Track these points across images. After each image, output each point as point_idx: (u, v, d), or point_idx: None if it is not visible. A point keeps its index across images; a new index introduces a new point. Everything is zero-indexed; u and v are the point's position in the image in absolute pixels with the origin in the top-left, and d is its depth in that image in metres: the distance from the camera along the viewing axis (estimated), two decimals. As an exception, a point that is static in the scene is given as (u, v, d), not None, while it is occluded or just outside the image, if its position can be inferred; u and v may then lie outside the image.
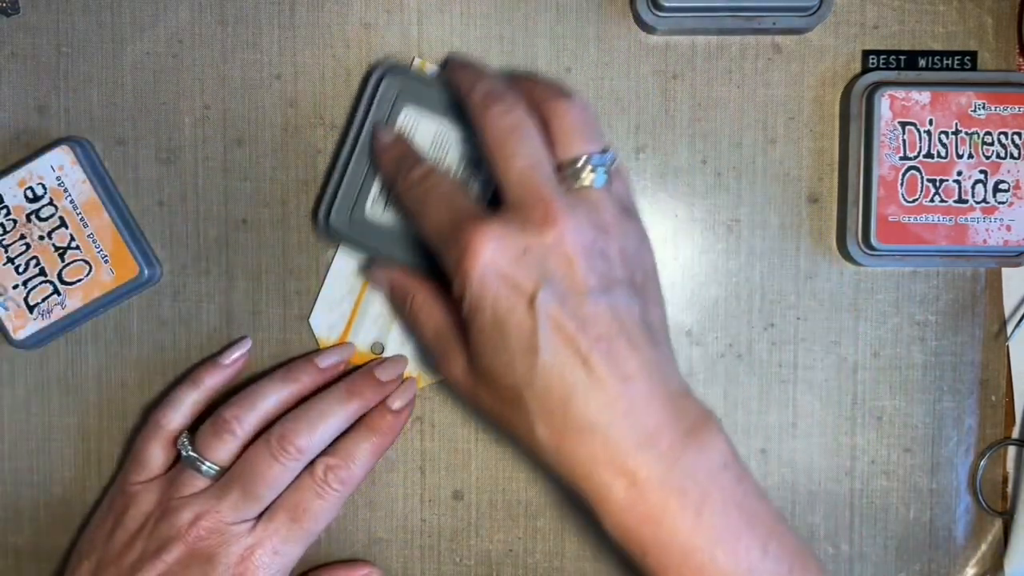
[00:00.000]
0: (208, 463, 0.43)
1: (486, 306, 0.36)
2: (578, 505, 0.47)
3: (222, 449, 0.43)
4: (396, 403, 0.45)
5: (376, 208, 0.43)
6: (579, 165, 0.38)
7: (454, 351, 0.39)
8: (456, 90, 0.42)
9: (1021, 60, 0.46)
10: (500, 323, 0.36)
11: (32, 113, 0.46)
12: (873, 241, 0.44)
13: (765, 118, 0.46)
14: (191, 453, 0.43)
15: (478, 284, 0.36)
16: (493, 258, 0.36)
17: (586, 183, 0.38)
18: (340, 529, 0.47)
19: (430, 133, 0.43)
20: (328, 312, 0.47)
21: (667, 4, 0.44)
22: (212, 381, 0.45)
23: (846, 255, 0.46)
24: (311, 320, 0.46)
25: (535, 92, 0.39)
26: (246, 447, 0.43)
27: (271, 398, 0.44)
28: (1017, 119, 0.44)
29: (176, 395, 0.45)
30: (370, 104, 0.43)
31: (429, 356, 0.42)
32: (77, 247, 0.45)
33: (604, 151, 0.39)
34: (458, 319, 0.39)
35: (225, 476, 0.43)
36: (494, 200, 0.40)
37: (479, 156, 0.42)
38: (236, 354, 0.46)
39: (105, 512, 0.44)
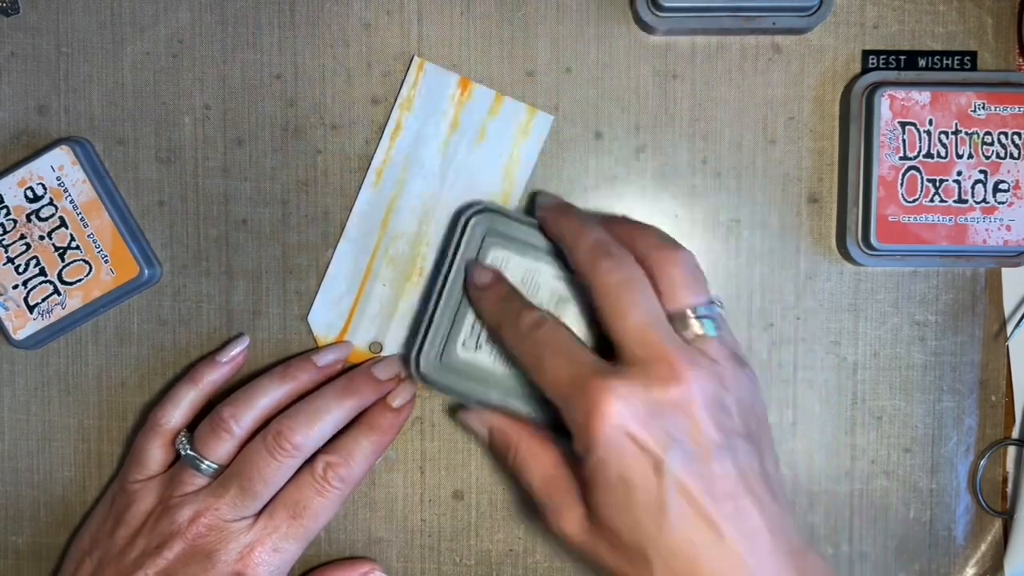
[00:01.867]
0: (207, 461, 0.43)
1: (611, 466, 0.36)
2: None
3: (220, 447, 0.43)
4: (397, 401, 0.45)
5: (467, 351, 0.43)
6: (689, 317, 0.38)
7: (568, 503, 0.39)
8: (558, 239, 0.41)
9: (1021, 60, 0.46)
10: (626, 483, 0.36)
11: (32, 113, 0.46)
12: (873, 241, 0.44)
13: (765, 118, 0.46)
14: (190, 452, 0.43)
15: (605, 445, 0.36)
16: (620, 419, 0.36)
17: (699, 333, 0.38)
18: (340, 529, 0.47)
19: (520, 272, 0.43)
20: (327, 311, 0.47)
21: (667, 4, 0.44)
22: (211, 378, 0.45)
23: (846, 255, 0.46)
24: (310, 318, 0.46)
25: (638, 243, 0.39)
26: (244, 445, 0.43)
27: (269, 396, 0.44)
28: (1017, 119, 0.44)
29: (174, 393, 0.45)
30: (458, 246, 0.43)
31: (534, 506, 0.41)
32: (77, 247, 0.45)
33: (711, 302, 0.39)
34: (570, 468, 0.39)
35: (223, 474, 0.43)
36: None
37: (572, 294, 0.42)
38: (234, 351, 0.46)
39: (106, 510, 0.44)
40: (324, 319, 0.47)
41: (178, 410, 0.44)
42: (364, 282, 0.46)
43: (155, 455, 0.44)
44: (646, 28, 0.45)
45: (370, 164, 0.46)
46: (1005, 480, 0.47)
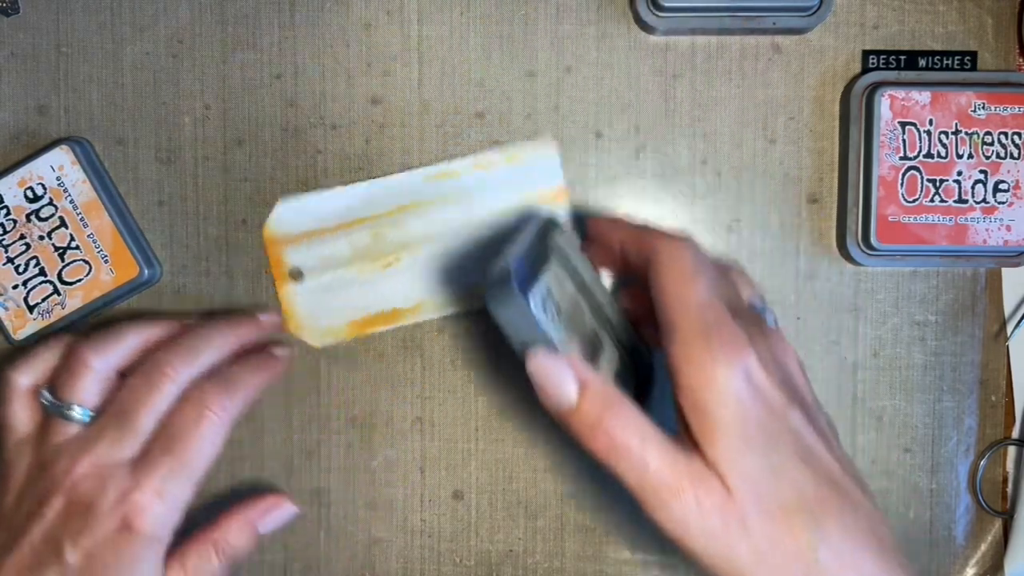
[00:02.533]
0: (75, 406, 0.40)
1: (750, 419, 0.36)
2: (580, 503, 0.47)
3: (83, 388, 0.40)
4: (278, 349, 0.45)
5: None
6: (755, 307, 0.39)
7: (700, 480, 0.36)
8: (608, 237, 0.41)
9: (1021, 60, 0.46)
10: (768, 434, 0.36)
11: (32, 113, 0.46)
12: (873, 241, 0.44)
13: (765, 118, 0.46)
14: (53, 400, 0.40)
15: (736, 396, 0.35)
16: (748, 371, 0.36)
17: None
18: (340, 529, 0.47)
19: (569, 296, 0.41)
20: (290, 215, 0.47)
21: (667, 4, 0.44)
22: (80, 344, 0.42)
23: (846, 255, 0.46)
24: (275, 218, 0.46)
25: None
26: (110, 387, 0.41)
27: (136, 336, 0.42)
28: (1017, 119, 0.44)
29: (33, 353, 0.42)
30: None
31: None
32: (77, 247, 0.45)
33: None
34: (677, 445, 0.37)
35: (101, 412, 0.40)
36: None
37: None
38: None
39: None
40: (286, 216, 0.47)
41: (33, 369, 0.42)
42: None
43: (18, 415, 0.41)
44: (646, 28, 0.45)
45: (370, 166, 0.46)
46: (1005, 480, 0.47)
